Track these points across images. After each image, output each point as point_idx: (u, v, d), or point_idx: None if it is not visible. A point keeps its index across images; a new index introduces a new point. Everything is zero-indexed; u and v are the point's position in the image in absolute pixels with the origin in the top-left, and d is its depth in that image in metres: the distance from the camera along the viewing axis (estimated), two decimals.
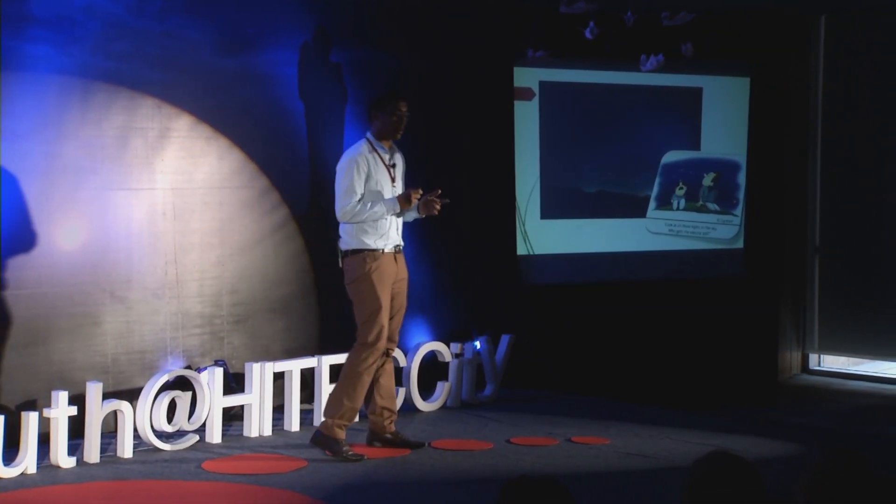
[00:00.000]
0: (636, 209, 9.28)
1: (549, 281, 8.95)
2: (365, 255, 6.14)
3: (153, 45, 6.80)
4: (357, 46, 7.89)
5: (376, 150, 6.22)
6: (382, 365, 6.28)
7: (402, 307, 6.35)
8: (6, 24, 6.20)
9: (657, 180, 9.30)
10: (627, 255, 9.24)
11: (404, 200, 6.16)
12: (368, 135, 6.30)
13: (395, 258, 6.24)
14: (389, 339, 6.27)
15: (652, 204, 9.31)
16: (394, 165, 6.27)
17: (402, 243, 6.32)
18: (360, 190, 6.13)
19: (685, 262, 9.40)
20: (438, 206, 6.28)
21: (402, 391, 7.30)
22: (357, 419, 6.28)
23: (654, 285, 9.15)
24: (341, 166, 6.22)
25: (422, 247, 8.16)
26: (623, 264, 9.22)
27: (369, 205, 6.12)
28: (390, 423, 6.37)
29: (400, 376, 7.33)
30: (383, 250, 6.18)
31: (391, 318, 6.25)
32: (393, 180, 6.24)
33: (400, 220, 6.30)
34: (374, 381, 6.27)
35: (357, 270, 6.15)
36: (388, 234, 6.19)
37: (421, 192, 6.21)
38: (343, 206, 6.13)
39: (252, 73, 7.32)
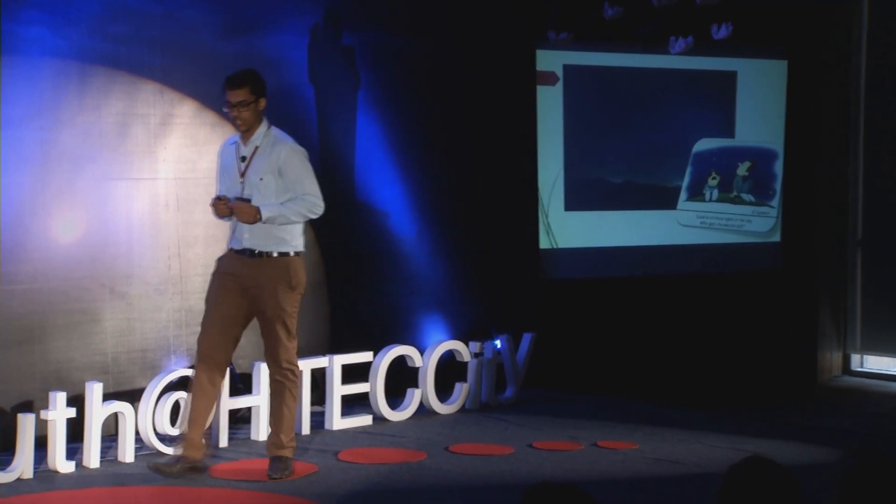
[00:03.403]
0: (666, 200, 9.25)
1: (573, 276, 8.93)
2: None
3: (154, 27, 6.80)
4: (370, 29, 7.87)
5: (235, 142, 5.92)
6: (272, 384, 5.96)
7: (265, 324, 5.81)
8: (0, 5, 6.20)
9: (688, 170, 9.27)
10: (656, 249, 9.22)
11: (212, 208, 5.82)
12: None
13: (246, 261, 5.78)
14: (267, 358, 5.91)
15: (683, 195, 9.28)
16: (244, 158, 5.81)
17: (255, 246, 5.77)
18: (219, 187, 5.94)
19: (718, 257, 9.37)
20: (244, 213, 5.72)
21: (417, 392, 7.30)
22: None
23: (684, 281, 9.12)
24: None
25: (439, 241, 8.16)
26: (652, 259, 9.19)
27: None
28: (269, 447, 5.93)
29: (416, 377, 7.33)
30: (230, 248, 5.90)
31: (262, 335, 5.89)
32: (241, 175, 5.79)
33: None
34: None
35: None
36: (232, 231, 5.87)
37: (221, 198, 5.79)
38: None
39: (259, 57, 7.29)
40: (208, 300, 5.89)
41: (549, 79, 8.87)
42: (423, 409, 7.34)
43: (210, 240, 7.00)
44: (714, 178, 9.33)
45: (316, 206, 5.86)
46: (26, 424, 5.72)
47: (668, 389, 8.40)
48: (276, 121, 7.38)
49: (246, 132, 5.83)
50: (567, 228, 8.95)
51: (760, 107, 9.41)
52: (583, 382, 8.25)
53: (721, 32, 7.51)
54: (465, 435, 6.87)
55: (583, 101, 8.97)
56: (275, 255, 5.79)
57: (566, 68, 8.91)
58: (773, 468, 2.85)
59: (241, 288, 5.79)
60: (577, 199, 8.97)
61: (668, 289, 9.06)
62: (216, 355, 5.81)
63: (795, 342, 9.52)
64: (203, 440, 5.87)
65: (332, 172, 7.70)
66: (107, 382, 6.29)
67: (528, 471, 6.08)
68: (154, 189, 6.86)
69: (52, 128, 6.44)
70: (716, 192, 9.35)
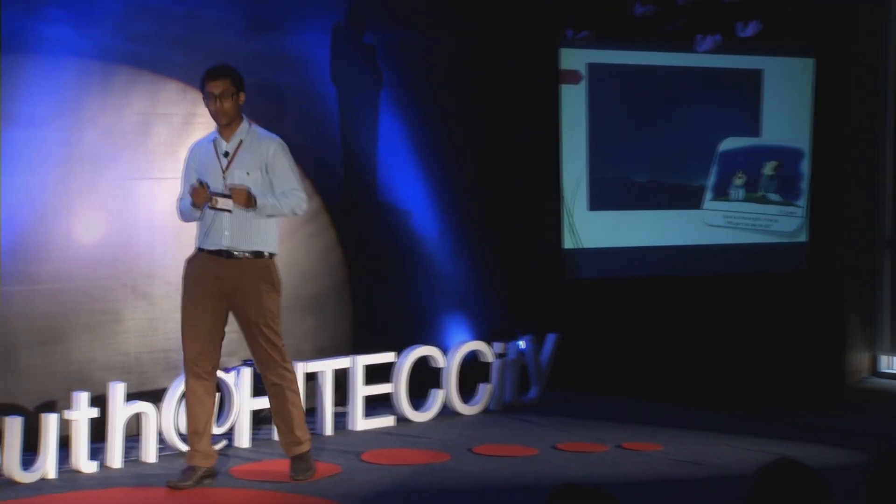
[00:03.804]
0: (691, 200, 9.22)
1: (597, 276, 8.91)
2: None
3: (176, 26, 6.83)
4: (392, 27, 7.88)
5: (213, 140, 5.78)
6: (268, 388, 5.84)
7: (249, 327, 5.69)
8: (22, 3, 6.24)
9: (714, 169, 9.24)
10: (681, 249, 9.19)
11: (191, 194, 5.62)
12: None
13: (224, 262, 5.65)
14: (257, 363, 5.80)
15: (708, 194, 9.25)
16: (227, 154, 5.70)
17: (236, 246, 5.64)
18: (185, 187, 5.75)
19: (744, 257, 9.33)
20: (241, 196, 5.59)
21: (440, 393, 7.30)
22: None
23: (710, 281, 9.09)
24: None
25: (462, 240, 8.16)
26: (677, 259, 9.16)
27: (184, 204, 5.77)
28: (286, 449, 5.91)
29: (439, 378, 7.34)
30: (201, 249, 5.72)
31: (245, 338, 5.76)
32: (224, 171, 5.67)
33: (241, 216, 5.63)
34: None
35: None
36: (206, 231, 5.69)
37: (203, 183, 5.60)
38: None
39: (281, 56, 7.33)
40: (185, 309, 5.69)
41: (573, 77, 8.85)
42: (447, 410, 7.34)
43: None
44: (740, 178, 9.29)
45: (303, 202, 5.81)
46: (49, 424, 5.75)
47: (693, 391, 8.37)
48: (298, 119, 7.45)
49: (226, 126, 5.71)
50: (591, 228, 8.93)
51: (787, 105, 9.37)
52: (607, 383, 8.23)
53: (748, 30, 7.48)
54: (488, 436, 6.87)
55: (607, 100, 8.95)
56: (254, 256, 5.67)
57: (590, 67, 8.89)
58: (801, 470, 2.84)
59: (221, 291, 5.64)
60: (602, 198, 8.95)
61: (692, 289, 9.03)
62: (204, 363, 5.68)
63: (823, 343, 9.47)
64: (212, 447, 5.85)
65: (354, 172, 7.72)
66: (129, 382, 6.31)
67: (551, 472, 6.07)
68: (176, 188, 6.85)
69: (75, 127, 6.48)
70: (742, 192, 9.31)
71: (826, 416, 8.38)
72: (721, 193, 9.27)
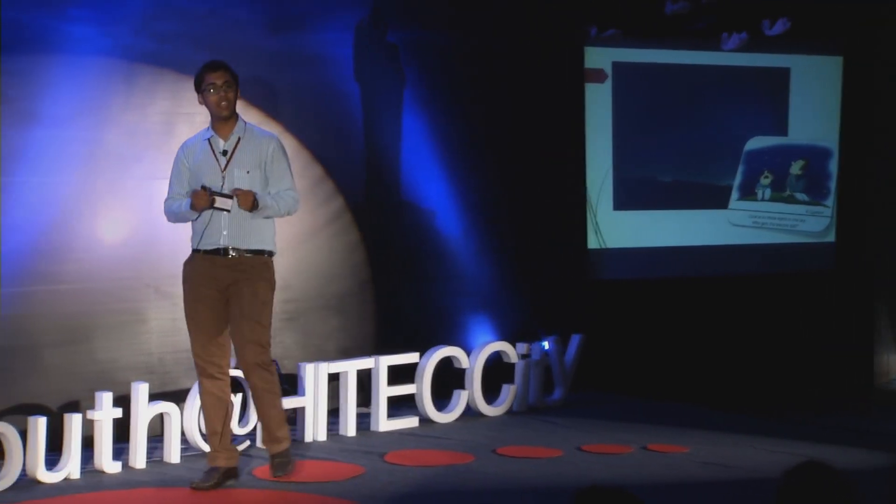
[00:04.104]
0: (717, 200, 9.20)
1: (622, 276, 8.90)
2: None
3: (199, 25, 6.86)
4: (415, 26, 7.89)
5: (206, 138, 5.68)
6: (251, 387, 5.76)
7: (239, 322, 5.57)
8: (46, 3, 6.28)
9: (740, 168, 9.22)
10: (707, 250, 9.17)
11: (191, 204, 5.55)
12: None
13: (222, 262, 5.58)
14: (240, 359, 5.65)
15: (734, 194, 9.23)
16: (226, 153, 5.61)
17: (235, 245, 5.58)
18: (176, 187, 5.67)
19: (771, 257, 9.31)
20: (248, 199, 5.52)
21: (464, 394, 7.30)
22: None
23: (736, 282, 9.07)
24: None
25: (486, 240, 8.16)
26: (702, 259, 9.15)
27: (175, 206, 5.68)
28: (267, 446, 5.82)
29: (462, 378, 7.34)
30: (198, 250, 5.63)
31: (232, 333, 5.63)
32: (223, 170, 5.59)
33: (240, 215, 5.56)
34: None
35: None
36: (202, 231, 5.59)
37: (207, 188, 5.52)
38: (164, 202, 5.77)
39: (304, 55, 7.35)
40: (188, 313, 5.64)
41: (598, 76, 8.85)
42: (470, 411, 7.34)
43: None
44: (767, 177, 9.27)
45: (297, 203, 5.76)
46: (73, 425, 5.78)
47: (719, 392, 8.36)
48: (321, 118, 7.47)
49: (224, 123, 5.62)
50: (616, 228, 8.92)
51: (814, 104, 9.34)
52: (632, 385, 8.22)
53: (776, 28, 7.47)
54: (512, 437, 6.87)
55: (632, 99, 8.94)
56: (252, 254, 5.62)
57: (615, 65, 8.88)
58: (829, 473, 2.83)
59: (219, 291, 5.59)
60: (627, 198, 8.94)
61: (718, 290, 9.01)
62: (214, 364, 5.64)
63: (850, 345, 9.43)
64: (234, 447, 5.86)
65: (377, 171, 7.73)
66: (152, 383, 6.33)
67: (576, 474, 6.06)
68: None
69: (98, 127, 6.52)
70: (768, 192, 9.29)
71: (854, 417, 8.36)
72: (747, 193, 9.25)
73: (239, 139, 5.64)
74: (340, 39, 7.53)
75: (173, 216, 5.75)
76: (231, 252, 5.59)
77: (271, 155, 5.66)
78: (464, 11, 8.08)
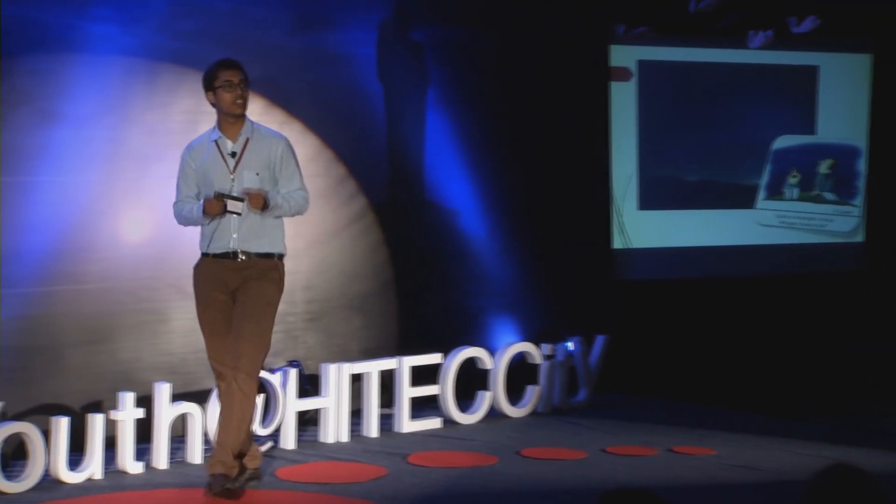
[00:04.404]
0: (744, 199, 9.18)
1: (647, 277, 8.89)
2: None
3: (222, 24, 6.88)
4: (440, 24, 7.90)
5: (213, 139, 5.58)
6: (222, 392, 5.56)
7: (240, 321, 5.46)
8: (68, 2, 6.31)
9: (767, 168, 9.19)
10: (734, 250, 9.15)
11: (204, 211, 5.48)
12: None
13: (231, 265, 5.50)
14: (228, 359, 5.49)
15: (761, 193, 9.20)
16: (234, 154, 5.51)
17: (245, 248, 5.50)
18: (184, 190, 5.61)
19: (798, 257, 9.28)
20: (259, 200, 5.45)
21: (488, 395, 7.30)
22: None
23: (763, 282, 9.04)
24: None
25: (510, 240, 8.16)
26: (729, 259, 9.13)
27: (185, 209, 5.61)
28: (212, 462, 5.51)
29: (486, 379, 7.34)
30: (207, 253, 5.57)
31: (232, 334, 5.50)
32: (232, 172, 5.50)
33: (249, 218, 5.49)
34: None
35: None
36: (211, 235, 5.53)
37: (220, 198, 5.43)
38: (172, 205, 5.71)
39: (327, 54, 7.37)
40: (200, 318, 5.58)
41: (623, 74, 8.83)
42: (494, 412, 7.34)
43: None
44: (794, 177, 9.23)
45: (307, 202, 5.68)
46: (96, 425, 5.81)
47: (746, 394, 8.33)
48: (345, 118, 7.48)
49: (233, 122, 5.52)
50: (641, 228, 8.91)
51: (843, 102, 9.30)
52: (658, 386, 8.19)
53: (804, 26, 7.43)
54: (536, 439, 6.86)
55: (657, 97, 8.92)
56: (262, 257, 5.54)
57: (640, 64, 8.87)
58: (858, 475, 2.82)
59: (229, 293, 5.52)
60: (652, 197, 8.92)
61: (745, 290, 8.98)
62: (218, 371, 5.57)
63: (879, 345, 9.38)
64: (256, 447, 5.83)
65: (400, 171, 7.74)
66: (175, 383, 6.34)
67: (601, 476, 6.04)
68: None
69: (121, 126, 6.54)
70: (796, 191, 9.25)
71: (883, 419, 8.30)
72: (775, 192, 9.21)
73: (247, 140, 5.55)
74: (364, 38, 7.53)
75: (184, 220, 5.67)
76: (241, 255, 5.52)
77: (280, 156, 5.58)
78: (489, 9, 8.07)
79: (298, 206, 5.64)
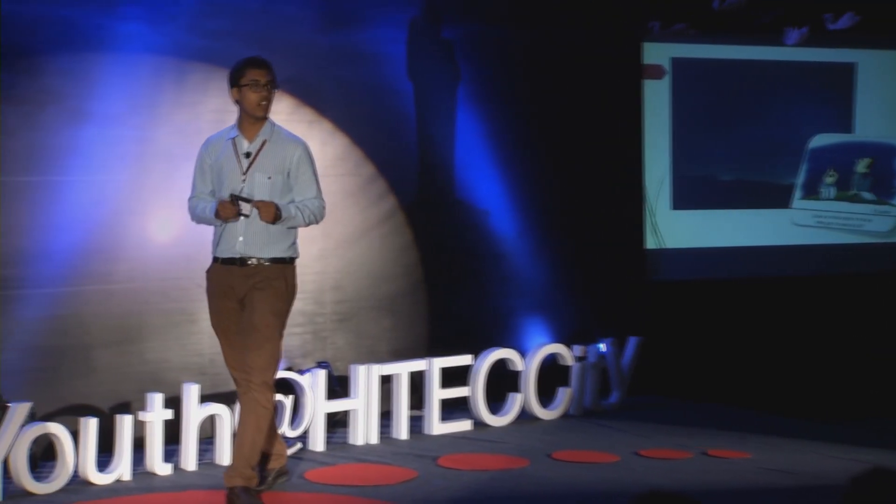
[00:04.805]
0: (779, 199, 9.14)
1: (680, 277, 8.86)
2: None
3: (251, 22, 6.91)
4: (470, 21, 7.90)
5: (230, 136, 5.49)
6: (244, 402, 5.45)
7: (250, 332, 5.37)
8: (97, 1, 6.36)
9: (804, 167, 9.15)
10: (769, 250, 9.11)
11: (216, 213, 5.38)
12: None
13: (237, 271, 5.40)
14: (241, 371, 5.43)
15: (797, 193, 9.16)
16: (249, 155, 5.41)
17: (252, 254, 5.39)
18: (199, 186, 5.54)
19: (835, 258, 9.22)
20: (269, 211, 5.33)
21: (518, 397, 7.30)
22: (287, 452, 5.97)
23: (798, 283, 9.00)
24: None
25: (541, 241, 8.15)
26: (764, 259, 9.09)
27: (199, 207, 5.53)
28: (230, 475, 5.43)
29: (517, 381, 7.34)
30: (216, 258, 5.49)
31: (242, 344, 5.41)
32: (244, 174, 5.40)
33: (256, 222, 5.37)
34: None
35: None
36: (219, 238, 5.46)
37: (231, 202, 5.34)
38: (187, 201, 5.64)
39: (357, 52, 7.38)
40: (213, 325, 5.55)
41: (656, 72, 8.81)
42: (525, 415, 7.34)
43: (306, 239, 7.03)
44: (831, 176, 9.19)
45: (323, 212, 5.54)
46: (124, 426, 5.84)
47: (781, 397, 8.30)
48: (374, 116, 7.49)
49: (254, 123, 5.43)
50: (675, 228, 8.88)
51: (881, 100, 9.24)
52: (691, 388, 8.17)
53: (841, 22, 7.40)
54: (568, 441, 6.85)
55: (691, 96, 8.89)
56: (270, 262, 5.41)
57: (674, 61, 8.85)
58: None
59: (238, 300, 5.42)
60: (686, 197, 8.90)
61: (780, 291, 8.94)
62: (234, 378, 5.55)
63: None
64: (282, 445, 5.81)
65: (431, 170, 7.75)
66: (204, 384, 6.38)
67: (634, 479, 6.03)
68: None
69: (149, 125, 6.58)
70: (833, 191, 9.20)
71: None
72: (811, 192, 9.17)
73: (264, 142, 5.43)
74: (394, 36, 7.55)
75: (197, 218, 5.59)
76: (249, 260, 5.39)
77: (296, 161, 5.44)
78: (520, 6, 8.08)
79: (313, 216, 5.48)
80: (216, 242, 5.50)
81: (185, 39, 6.67)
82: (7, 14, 6.08)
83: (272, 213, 5.34)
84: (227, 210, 5.35)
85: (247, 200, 5.35)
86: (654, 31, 8.21)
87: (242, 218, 5.37)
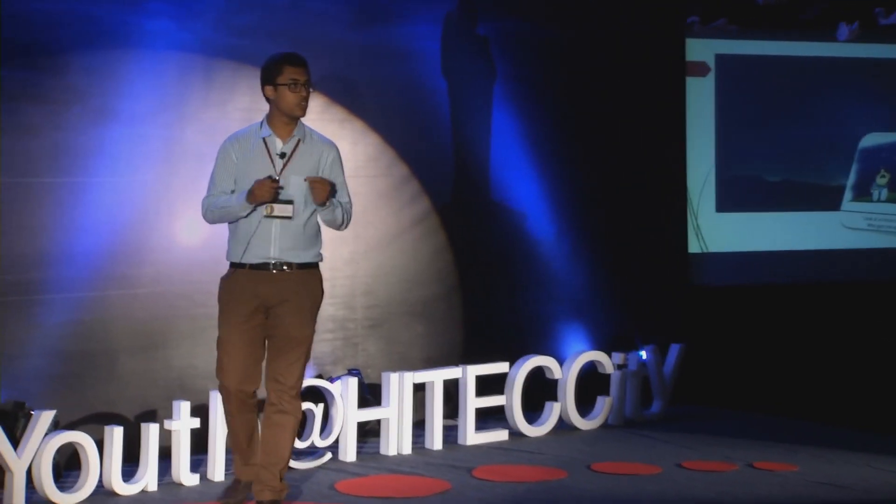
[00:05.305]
0: (828, 201, 9.10)
1: (725, 283, 8.84)
2: (227, 271, 5.44)
3: (280, 19, 6.92)
4: (507, 17, 7.90)
5: (261, 134, 5.40)
6: (272, 414, 5.37)
7: (286, 343, 5.33)
8: None
9: (854, 167, 9.11)
10: (817, 254, 9.08)
11: (251, 190, 5.24)
12: (265, 115, 5.46)
13: (269, 276, 5.32)
14: (273, 381, 5.35)
15: (847, 194, 9.12)
16: (284, 155, 5.34)
17: (287, 258, 5.33)
18: (220, 184, 5.37)
19: (886, 263, 9.19)
20: (318, 187, 5.27)
21: (556, 406, 7.28)
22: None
23: (848, 288, 8.95)
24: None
25: (580, 243, 8.14)
26: (812, 264, 9.05)
27: (221, 199, 5.35)
28: (260, 488, 5.40)
29: (555, 390, 7.32)
30: (242, 263, 5.34)
31: (274, 356, 5.35)
32: (278, 175, 5.31)
33: (292, 225, 5.33)
34: (261, 433, 5.45)
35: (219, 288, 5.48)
36: (247, 241, 5.32)
37: (276, 180, 5.26)
38: (202, 200, 5.48)
39: (390, 49, 7.39)
40: (224, 335, 5.37)
41: (700, 69, 8.79)
42: (563, 424, 7.32)
43: (337, 242, 7.07)
44: (883, 177, 9.15)
45: (351, 217, 5.53)
46: (150, 435, 5.86)
47: (830, 406, 8.23)
48: (407, 115, 7.49)
49: (289, 122, 5.36)
50: (719, 231, 8.86)
51: None
52: (736, 398, 8.14)
53: (894, 17, 7.34)
54: (608, 452, 6.84)
55: (736, 93, 8.87)
56: (303, 268, 5.37)
57: (718, 58, 8.83)
58: None
59: (261, 310, 5.34)
60: (730, 199, 8.87)
61: (830, 297, 8.90)
62: (247, 387, 5.40)
63: None
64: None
65: (466, 171, 7.74)
66: None
67: (677, 492, 6.01)
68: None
69: (177, 124, 6.60)
70: (885, 192, 9.17)
71: None
72: (862, 193, 9.13)
73: (299, 142, 5.39)
74: (428, 32, 7.55)
75: (214, 213, 5.42)
76: (283, 266, 5.32)
77: (330, 164, 5.43)
78: (557, 1, 8.06)
79: (347, 218, 5.49)
80: (243, 247, 5.35)
81: (212, 36, 6.69)
82: (31, 11, 6.12)
83: (327, 191, 5.28)
84: (265, 189, 5.21)
85: (284, 202, 5.30)
86: (695, 27, 8.18)
87: (276, 222, 5.31)
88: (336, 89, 7.13)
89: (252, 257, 5.34)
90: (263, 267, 5.33)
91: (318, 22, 7.07)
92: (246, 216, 5.33)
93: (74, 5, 6.24)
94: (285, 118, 5.36)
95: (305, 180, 5.33)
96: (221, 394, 5.47)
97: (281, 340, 5.34)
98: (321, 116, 7.05)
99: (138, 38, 6.45)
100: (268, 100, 5.40)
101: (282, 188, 5.29)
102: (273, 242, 5.32)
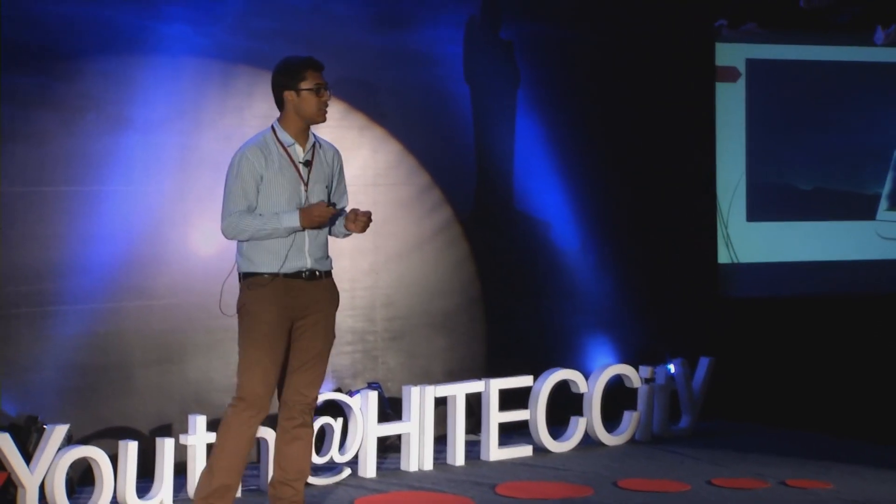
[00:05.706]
0: (863, 210, 9.08)
1: (755, 294, 8.82)
2: (250, 281, 5.28)
3: (300, 22, 6.94)
4: (531, 21, 7.90)
5: (280, 142, 5.29)
6: (292, 429, 5.35)
7: (313, 356, 5.32)
8: (139, 1, 6.41)
9: (890, 175, 9.09)
10: (851, 265, 9.06)
11: (307, 215, 5.19)
12: (275, 121, 5.37)
13: (301, 286, 5.28)
14: (297, 394, 5.32)
15: (883, 203, 9.10)
16: (307, 163, 5.29)
17: (317, 267, 5.31)
18: (242, 201, 5.24)
19: None
20: (364, 221, 5.28)
21: (582, 421, 7.27)
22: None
23: (884, 300, 8.93)
24: (230, 164, 5.32)
25: (606, 254, 8.12)
26: (846, 275, 9.03)
27: (258, 222, 5.21)
28: None
29: (580, 404, 7.30)
30: (277, 273, 5.24)
31: (299, 369, 5.31)
32: (305, 184, 5.28)
33: (319, 234, 5.33)
34: (278, 449, 5.41)
35: (239, 300, 5.35)
36: (286, 253, 5.24)
37: (331, 206, 5.27)
38: (224, 217, 5.28)
39: (410, 53, 7.40)
40: (256, 349, 5.24)
41: (730, 75, 8.78)
42: (589, 440, 7.31)
43: (356, 252, 7.10)
44: None
45: None
46: (165, 450, 5.87)
47: (865, 422, 8.20)
48: (429, 122, 7.50)
49: (304, 129, 5.29)
50: (749, 241, 8.85)
51: None
52: (768, 413, 8.13)
53: None
54: (635, 469, 6.82)
55: (768, 99, 8.86)
56: (328, 274, 5.38)
57: (749, 63, 8.82)
58: None
59: (290, 320, 5.28)
60: (761, 207, 8.86)
61: (864, 309, 8.87)
62: (264, 403, 5.28)
63: None
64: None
65: (489, 179, 7.74)
66: None
67: None
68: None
69: (194, 132, 6.62)
70: None
71: None
72: None
73: (315, 147, 5.35)
74: (450, 36, 7.56)
75: (252, 235, 5.24)
76: (316, 273, 5.30)
77: (339, 169, 5.44)
78: (583, 5, 8.06)
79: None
80: (281, 258, 5.23)
81: (230, 41, 6.71)
82: (45, 15, 6.15)
83: (367, 223, 5.30)
84: (326, 215, 5.20)
85: (339, 213, 5.33)
86: (723, 31, 8.17)
87: (308, 233, 5.27)
88: (355, 95, 7.14)
89: (289, 267, 5.27)
90: (298, 275, 5.27)
91: (337, 25, 7.09)
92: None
93: (89, 9, 6.27)
94: (303, 124, 5.31)
95: (351, 211, 5.28)
96: (247, 411, 5.24)
97: (307, 353, 5.30)
98: (340, 123, 7.07)
99: (154, 43, 6.47)
100: (283, 105, 5.32)
101: (336, 212, 5.31)
102: (307, 252, 5.29)
